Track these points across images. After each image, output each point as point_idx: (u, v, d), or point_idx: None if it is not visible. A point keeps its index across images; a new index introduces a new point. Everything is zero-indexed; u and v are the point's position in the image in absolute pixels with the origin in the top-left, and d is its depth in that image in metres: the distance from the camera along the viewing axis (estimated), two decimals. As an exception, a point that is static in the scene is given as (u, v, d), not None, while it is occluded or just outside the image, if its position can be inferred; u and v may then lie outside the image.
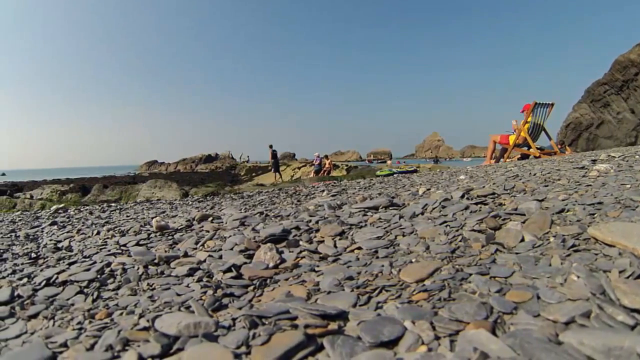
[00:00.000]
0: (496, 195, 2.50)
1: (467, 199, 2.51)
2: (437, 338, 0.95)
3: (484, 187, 2.84)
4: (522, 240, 1.62)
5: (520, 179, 3.07)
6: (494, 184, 2.99)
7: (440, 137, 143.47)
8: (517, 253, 1.50)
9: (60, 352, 1.10)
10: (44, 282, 1.83)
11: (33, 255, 2.50)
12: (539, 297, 1.08)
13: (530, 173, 3.44)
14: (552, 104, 9.73)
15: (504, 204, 2.24)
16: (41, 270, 2.05)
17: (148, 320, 1.21)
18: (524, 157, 9.69)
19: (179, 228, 2.90)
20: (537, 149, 9.64)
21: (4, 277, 2.01)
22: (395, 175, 9.89)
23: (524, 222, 1.80)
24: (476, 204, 2.33)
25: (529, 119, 9.55)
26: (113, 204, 7.67)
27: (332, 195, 4.29)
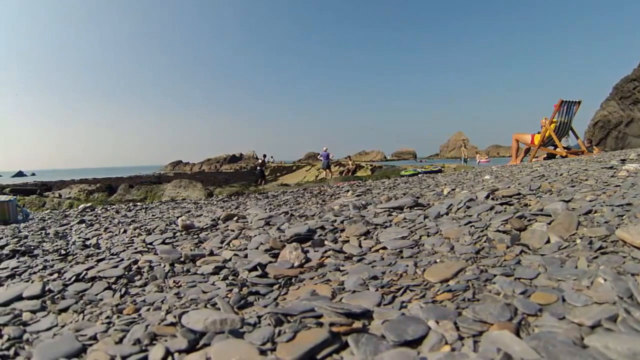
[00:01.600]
0: (522, 195, 2.46)
1: (492, 199, 2.48)
2: (461, 338, 0.95)
3: (509, 187, 2.80)
4: (548, 241, 1.60)
5: (547, 179, 3.02)
6: (519, 184, 2.95)
7: (465, 137, 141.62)
8: (542, 255, 1.48)
9: (90, 345, 1.14)
10: (74, 277, 1.90)
11: (63, 252, 2.58)
12: (564, 300, 1.07)
13: (556, 173, 3.37)
14: (579, 102, 9.49)
15: (530, 205, 2.21)
16: (71, 267, 2.12)
17: (175, 316, 1.24)
18: (550, 156, 9.49)
19: (204, 227, 2.95)
20: (564, 148, 9.42)
21: (35, 273, 2.09)
22: (419, 175, 9.82)
23: (549, 224, 1.77)
24: (501, 204, 2.30)
25: (555, 119, 9.34)
26: (139, 204, 7.84)
27: (357, 195, 4.29)
